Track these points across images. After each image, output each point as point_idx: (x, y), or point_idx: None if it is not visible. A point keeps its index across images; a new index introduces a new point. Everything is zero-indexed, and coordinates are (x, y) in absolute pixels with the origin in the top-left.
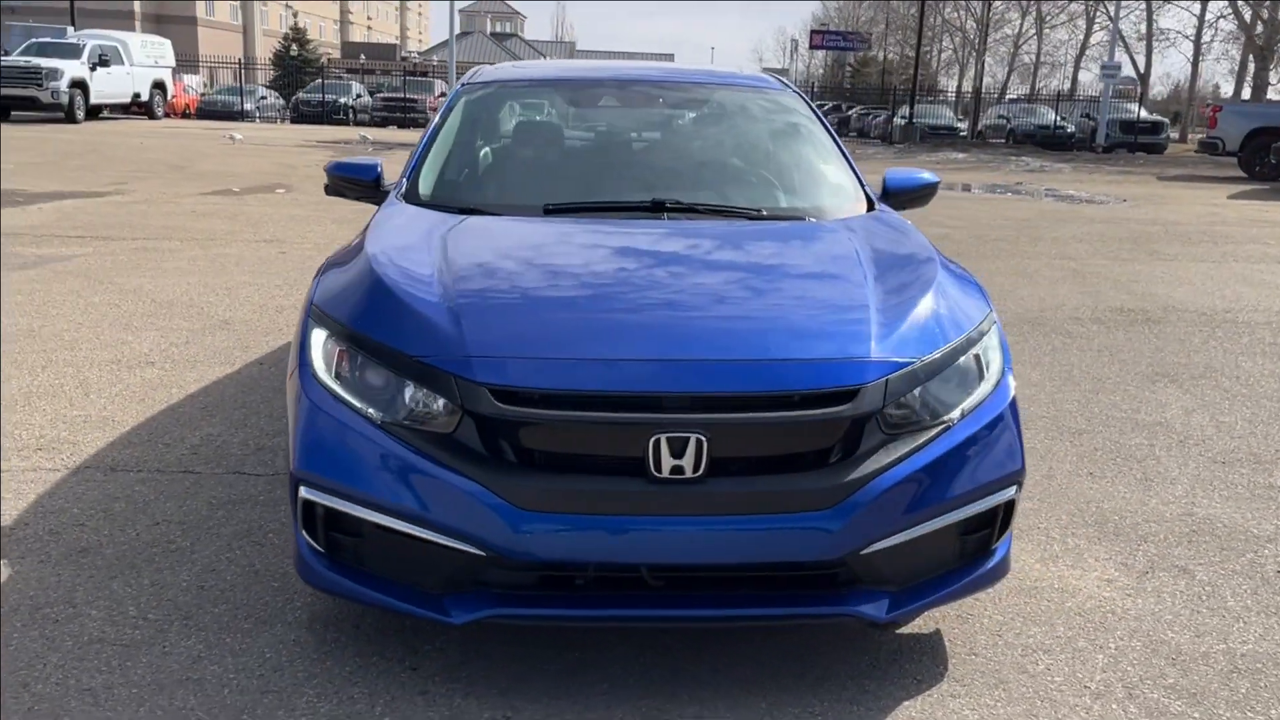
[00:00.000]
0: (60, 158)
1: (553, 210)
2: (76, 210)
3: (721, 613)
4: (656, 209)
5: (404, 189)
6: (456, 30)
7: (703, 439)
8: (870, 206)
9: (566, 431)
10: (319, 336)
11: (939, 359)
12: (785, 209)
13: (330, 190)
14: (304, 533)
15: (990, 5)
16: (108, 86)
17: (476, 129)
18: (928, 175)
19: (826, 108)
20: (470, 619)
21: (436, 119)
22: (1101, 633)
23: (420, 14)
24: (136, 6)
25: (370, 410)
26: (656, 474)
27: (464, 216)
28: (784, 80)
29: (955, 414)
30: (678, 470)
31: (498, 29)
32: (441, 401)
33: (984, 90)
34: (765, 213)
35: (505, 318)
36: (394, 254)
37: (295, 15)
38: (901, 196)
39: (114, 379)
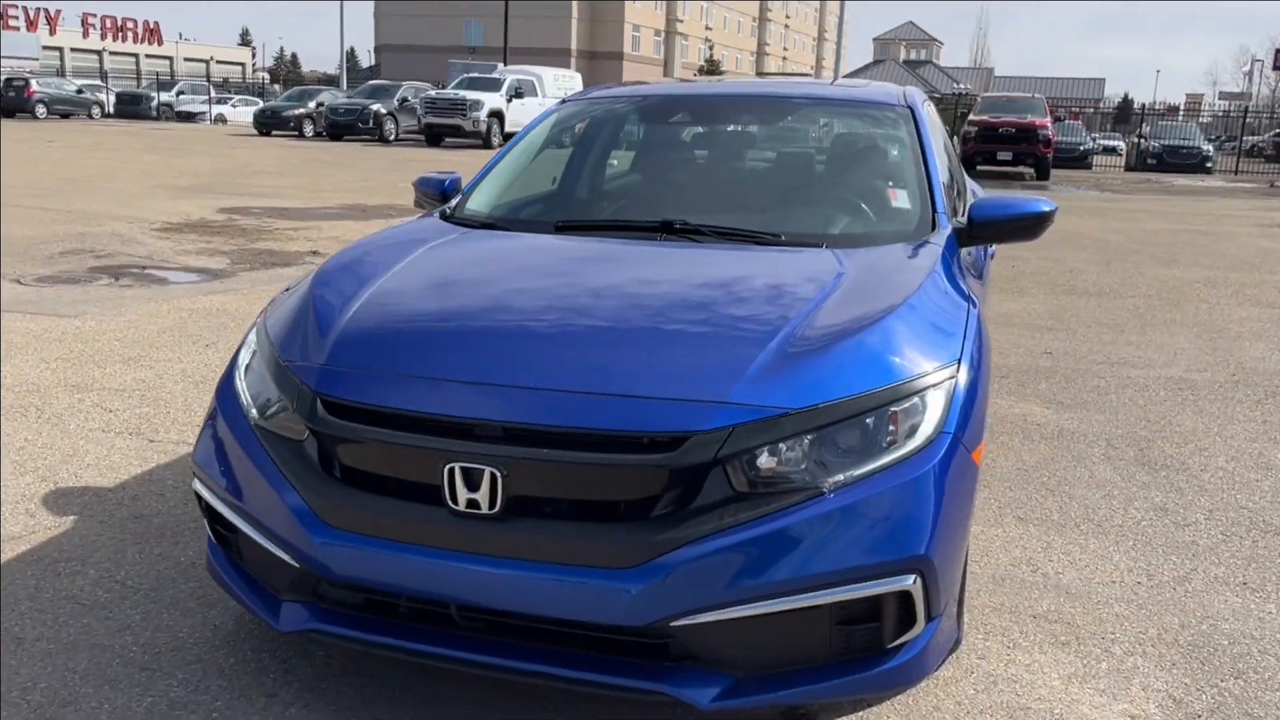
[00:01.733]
0: None
1: (563, 228)
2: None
3: (529, 667)
4: (666, 230)
5: (453, 203)
6: (869, 59)
7: (497, 473)
8: (929, 235)
9: (375, 450)
10: (252, 338)
11: (826, 410)
12: (806, 235)
13: (416, 203)
14: (206, 524)
15: None
16: (521, 116)
17: (546, 146)
18: (1039, 204)
19: None
20: (294, 629)
21: (519, 134)
22: None
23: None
24: (573, 44)
25: (253, 411)
26: (454, 506)
27: (469, 231)
28: (909, 96)
29: (836, 478)
30: (474, 504)
31: (912, 56)
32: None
33: None
34: (784, 238)
35: (377, 332)
36: (346, 265)
37: (711, 48)
38: (990, 227)
39: None
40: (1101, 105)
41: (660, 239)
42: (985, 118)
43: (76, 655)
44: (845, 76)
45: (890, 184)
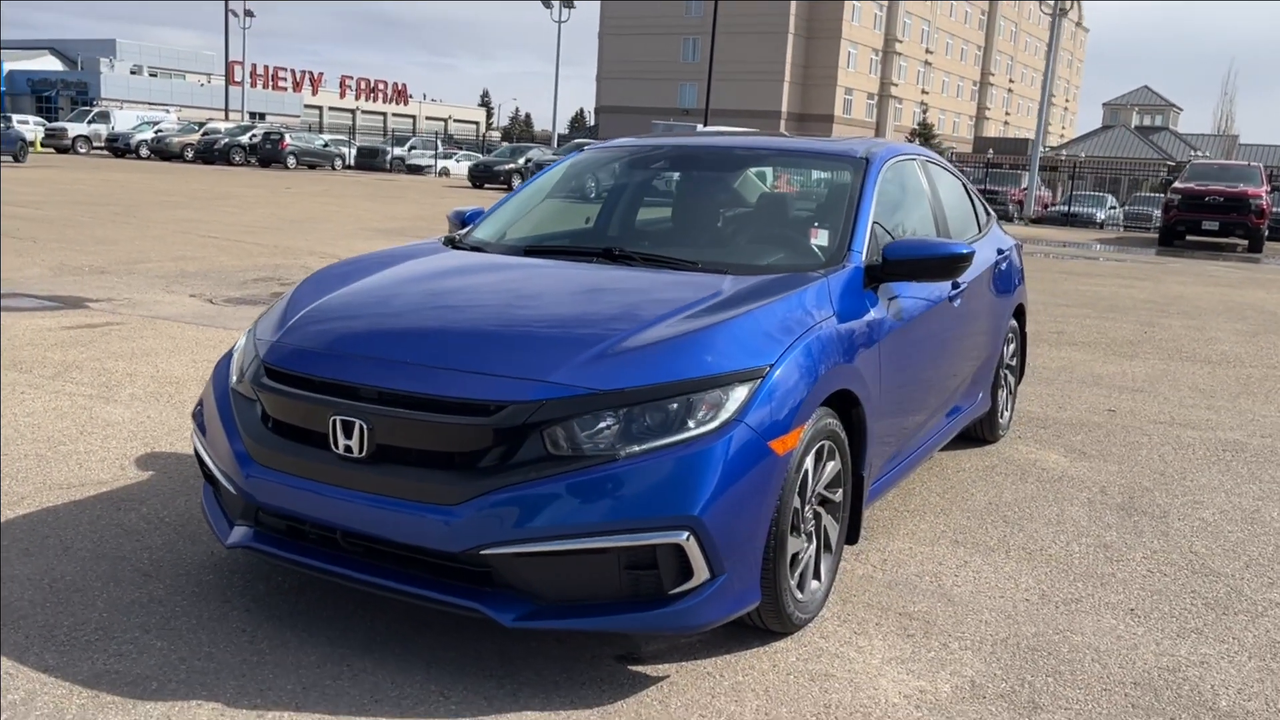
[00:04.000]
0: None
1: (530, 251)
2: None
3: (391, 584)
4: (606, 255)
5: (463, 230)
6: (1098, 125)
7: (363, 425)
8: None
9: (290, 405)
10: (249, 326)
11: (632, 393)
12: (718, 263)
13: (449, 230)
14: (199, 469)
15: None
16: None
17: (548, 185)
18: (953, 246)
19: None
20: (233, 544)
21: (533, 176)
22: None
23: (1066, 108)
24: (784, 106)
25: (232, 378)
26: (336, 450)
27: (453, 252)
28: (871, 150)
29: (633, 448)
30: (350, 449)
31: (1144, 122)
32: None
33: None
34: (700, 265)
35: (319, 321)
36: (331, 272)
37: (925, 111)
38: (903, 265)
39: None
40: None
41: (598, 262)
42: (1191, 185)
43: (102, 562)
44: (1071, 141)
45: (816, 223)
